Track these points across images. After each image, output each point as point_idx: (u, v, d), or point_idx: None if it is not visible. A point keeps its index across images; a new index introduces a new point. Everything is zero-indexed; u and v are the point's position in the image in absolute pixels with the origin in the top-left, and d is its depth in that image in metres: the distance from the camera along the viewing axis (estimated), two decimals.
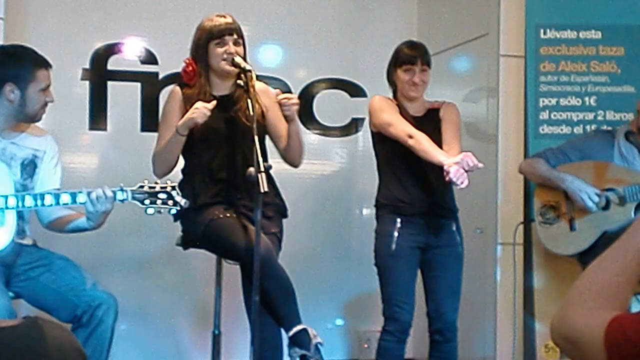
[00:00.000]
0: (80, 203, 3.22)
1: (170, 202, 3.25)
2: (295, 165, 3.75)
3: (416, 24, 5.18)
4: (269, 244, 3.35)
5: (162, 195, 3.25)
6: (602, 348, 1.25)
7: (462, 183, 3.51)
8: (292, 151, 3.66)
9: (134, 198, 3.23)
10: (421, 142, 3.71)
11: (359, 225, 5.09)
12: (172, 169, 3.58)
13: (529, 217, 4.35)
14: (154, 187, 3.25)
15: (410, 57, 3.85)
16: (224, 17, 3.59)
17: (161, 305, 4.80)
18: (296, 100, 3.53)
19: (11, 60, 3.39)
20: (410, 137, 3.72)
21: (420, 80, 3.84)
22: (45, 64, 3.40)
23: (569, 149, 4.13)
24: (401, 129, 3.76)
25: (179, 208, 3.27)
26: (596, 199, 3.96)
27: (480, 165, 3.57)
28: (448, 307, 3.84)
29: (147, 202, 3.23)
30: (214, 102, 3.44)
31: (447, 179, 3.53)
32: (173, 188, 3.26)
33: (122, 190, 3.22)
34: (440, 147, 3.78)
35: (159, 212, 3.25)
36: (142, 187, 3.24)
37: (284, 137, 3.64)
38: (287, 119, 3.55)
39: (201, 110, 3.41)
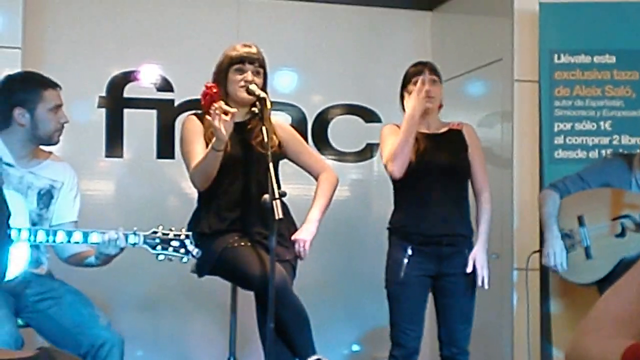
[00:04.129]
0: (92, 243, 3.22)
1: (182, 250, 3.24)
2: None
3: (430, 50, 5.20)
4: (283, 273, 3.34)
5: (175, 243, 3.24)
6: None
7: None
8: None
9: (145, 243, 3.23)
10: (397, 142, 3.76)
11: (374, 250, 5.05)
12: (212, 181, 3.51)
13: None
14: (167, 234, 3.24)
15: (417, 70, 3.89)
16: (250, 46, 3.61)
17: (176, 332, 4.79)
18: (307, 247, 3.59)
19: (17, 85, 3.42)
20: (391, 156, 3.78)
21: (431, 89, 3.82)
22: (52, 84, 3.42)
23: (588, 175, 4.06)
24: (386, 160, 3.82)
25: (190, 257, 3.25)
26: (558, 260, 3.93)
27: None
28: (460, 333, 3.83)
29: (158, 248, 3.22)
30: (234, 110, 3.38)
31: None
32: (187, 237, 3.25)
33: (135, 234, 3.22)
34: (463, 167, 3.82)
35: (170, 259, 3.25)
36: (155, 232, 3.24)
37: (312, 168, 3.76)
38: None
39: (222, 122, 3.33)
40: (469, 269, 3.78)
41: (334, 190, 3.76)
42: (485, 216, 3.89)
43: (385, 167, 3.84)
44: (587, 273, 3.99)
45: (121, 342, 3.25)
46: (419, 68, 3.90)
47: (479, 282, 3.79)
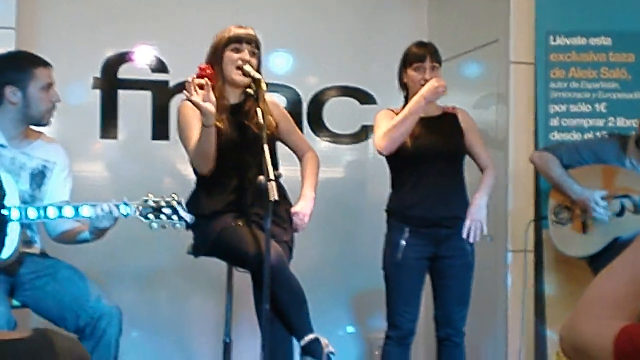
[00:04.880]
0: (83, 217, 3.20)
1: (175, 217, 3.19)
2: None
3: (426, 31, 5.18)
4: (280, 252, 3.35)
5: (167, 210, 3.19)
6: (611, 358, 1.25)
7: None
8: None
9: (137, 212, 3.19)
10: (393, 121, 3.77)
11: (369, 231, 5.07)
12: (214, 161, 3.46)
13: (540, 221, 4.35)
14: (158, 202, 3.19)
15: (419, 55, 3.86)
16: (245, 28, 3.61)
17: (172, 312, 4.80)
18: (306, 220, 3.60)
19: (8, 63, 3.40)
20: (383, 136, 3.77)
21: (432, 77, 3.82)
22: (43, 63, 3.39)
23: (584, 150, 4.08)
24: (376, 140, 3.83)
25: (183, 223, 3.23)
26: (604, 205, 3.92)
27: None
28: (456, 315, 3.86)
29: (151, 216, 3.18)
30: (203, 81, 3.28)
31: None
32: (179, 203, 3.21)
33: (125, 204, 3.18)
34: (459, 150, 3.82)
35: (163, 227, 3.21)
36: (146, 201, 3.19)
37: (299, 148, 3.76)
38: None
39: (201, 96, 3.26)
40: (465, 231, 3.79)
41: (319, 170, 3.78)
42: (488, 176, 3.91)
43: (375, 146, 3.85)
44: (581, 247, 4.02)
45: (119, 313, 3.28)
46: (422, 52, 3.86)
47: (464, 234, 3.79)
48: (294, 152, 3.80)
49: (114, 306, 3.29)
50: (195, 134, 3.45)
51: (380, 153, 3.85)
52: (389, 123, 3.81)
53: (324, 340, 3.27)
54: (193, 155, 3.46)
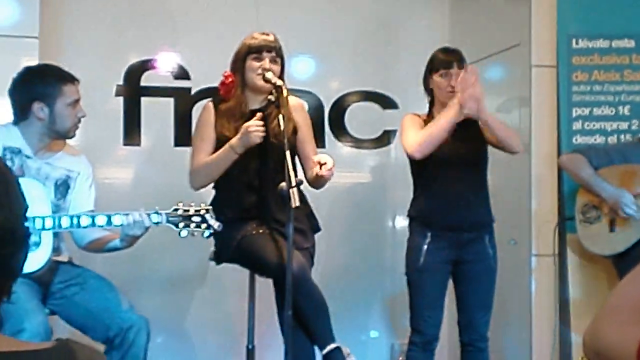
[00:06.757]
0: (115, 225, 3.24)
1: (204, 225, 3.26)
2: (317, 189, 3.69)
3: (448, 36, 5.17)
4: (302, 261, 3.35)
5: (196, 219, 3.25)
6: None
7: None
8: (319, 182, 3.58)
9: (168, 221, 3.25)
10: (428, 127, 3.71)
11: (392, 236, 5.08)
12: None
13: (564, 224, 4.33)
14: (188, 210, 3.26)
15: (446, 61, 3.84)
16: (267, 34, 3.62)
17: (195, 319, 4.82)
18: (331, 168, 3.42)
19: (36, 78, 3.40)
20: (419, 142, 3.71)
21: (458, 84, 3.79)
22: (71, 79, 3.41)
23: (614, 152, 4.10)
24: (409, 144, 3.75)
25: (212, 231, 3.27)
26: (634, 207, 3.92)
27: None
28: (479, 320, 3.84)
29: (181, 225, 3.25)
30: (260, 115, 3.45)
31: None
32: (207, 211, 3.27)
33: (157, 213, 3.24)
34: (481, 157, 3.81)
35: (192, 234, 3.27)
36: (176, 210, 3.25)
37: (310, 159, 3.57)
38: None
39: (256, 130, 3.42)
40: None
41: None
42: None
43: (406, 149, 3.78)
44: (608, 245, 4.03)
45: (147, 323, 3.30)
46: (448, 59, 3.84)
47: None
48: (302, 162, 3.68)
49: (142, 317, 3.31)
50: (206, 147, 3.58)
51: (412, 157, 3.78)
52: (420, 129, 3.79)
53: (345, 350, 3.27)
54: (198, 169, 3.58)
